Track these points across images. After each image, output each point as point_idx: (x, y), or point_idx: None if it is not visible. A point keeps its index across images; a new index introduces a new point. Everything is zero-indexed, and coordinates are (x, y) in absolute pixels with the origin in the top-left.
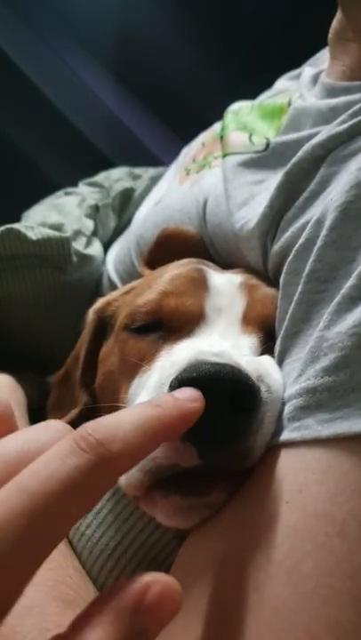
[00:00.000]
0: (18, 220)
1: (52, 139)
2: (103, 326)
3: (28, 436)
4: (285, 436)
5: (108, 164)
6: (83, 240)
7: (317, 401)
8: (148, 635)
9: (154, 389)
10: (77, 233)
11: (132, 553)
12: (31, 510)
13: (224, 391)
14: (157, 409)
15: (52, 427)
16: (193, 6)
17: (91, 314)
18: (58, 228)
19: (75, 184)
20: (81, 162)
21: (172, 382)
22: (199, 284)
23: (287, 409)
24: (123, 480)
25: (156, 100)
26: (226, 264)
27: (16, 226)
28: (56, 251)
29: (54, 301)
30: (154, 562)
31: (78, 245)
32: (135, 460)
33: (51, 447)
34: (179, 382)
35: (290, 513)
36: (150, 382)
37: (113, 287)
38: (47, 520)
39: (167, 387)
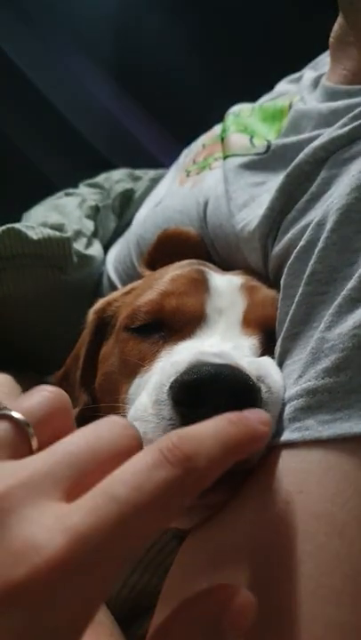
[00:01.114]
0: (18, 220)
1: (53, 140)
2: (103, 326)
3: (96, 432)
4: (286, 436)
5: (109, 166)
6: (83, 240)
7: (318, 402)
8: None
9: (154, 390)
10: (78, 233)
11: None
12: (122, 519)
13: (225, 392)
14: (233, 427)
15: (117, 423)
16: (193, 9)
17: (91, 314)
18: (59, 228)
19: (75, 185)
20: (81, 163)
21: (172, 383)
22: (200, 285)
23: (288, 410)
24: None
25: (156, 103)
26: (226, 265)
27: (17, 225)
28: (57, 251)
29: (54, 301)
30: (153, 562)
31: (79, 246)
32: (214, 476)
33: (117, 444)
34: (179, 384)
35: (290, 513)
36: (151, 383)
37: (113, 287)
38: (136, 530)
39: (167, 387)
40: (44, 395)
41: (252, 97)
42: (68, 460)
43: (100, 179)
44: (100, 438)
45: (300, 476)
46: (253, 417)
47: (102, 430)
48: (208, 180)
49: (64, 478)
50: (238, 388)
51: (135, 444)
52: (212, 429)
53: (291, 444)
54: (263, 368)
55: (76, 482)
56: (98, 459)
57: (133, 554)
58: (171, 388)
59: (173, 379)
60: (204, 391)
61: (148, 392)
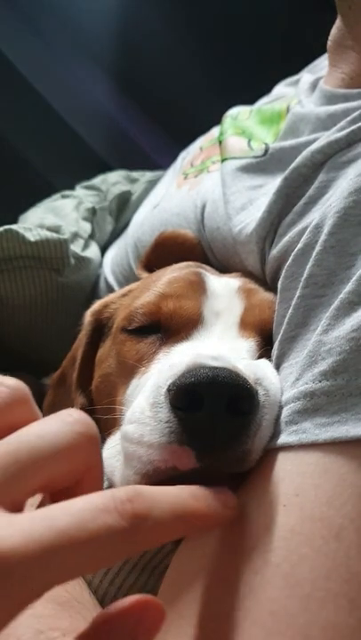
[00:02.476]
0: (14, 222)
1: (50, 141)
2: (100, 328)
3: (42, 429)
4: (283, 439)
5: (106, 168)
6: (80, 242)
7: (315, 405)
8: None
9: (151, 392)
10: (75, 235)
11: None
12: (53, 549)
13: (223, 395)
14: (194, 500)
15: (67, 417)
16: (192, 12)
17: (88, 316)
18: (56, 230)
19: (72, 187)
20: (78, 165)
21: (169, 386)
22: (197, 288)
23: (285, 413)
24: (119, 480)
25: (154, 105)
26: (223, 268)
27: (14, 227)
28: (53, 252)
29: (51, 303)
30: (148, 565)
31: (76, 248)
32: (161, 540)
33: (62, 441)
34: (177, 387)
35: (287, 516)
36: (148, 385)
37: (110, 290)
38: (64, 564)
39: (165, 389)
40: (1, 389)
41: (251, 99)
42: (10, 461)
43: (97, 181)
44: (46, 435)
45: (296, 479)
46: (220, 497)
47: (49, 426)
48: (206, 182)
49: (2, 480)
50: (236, 391)
51: (82, 442)
52: (173, 496)
53: (288, 447)
54: (260, 371)
55: (12, 482)
56: (38, 457)
57: (50, 587)
58: (168, 390)
59: (171, 382)
60: (202, 394)
61: (146, 395)
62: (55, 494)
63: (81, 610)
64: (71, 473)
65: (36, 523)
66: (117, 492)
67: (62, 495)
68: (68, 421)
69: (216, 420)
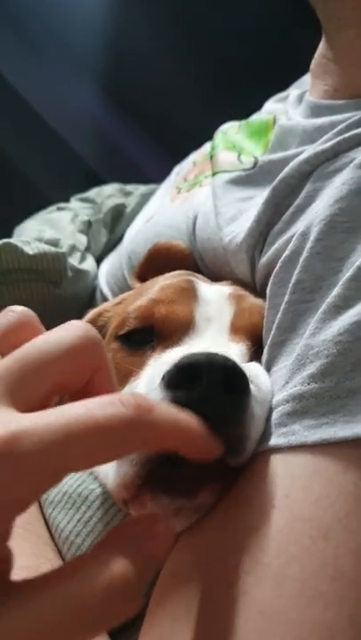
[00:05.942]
0: (9, 234)
1: (44, 155)
2: None
3: (51, 334)
4: (273, 441)
5: (100, 181)
6: (77, 255)
7: (304, 407)
8: (159, 560)
9: (145, 386)
10: (72, 248)
11: None
12: (66, 430)
13: (219, 373)
14: (193, 421)
15: (73, 325)
16: (186, 26)
17: None
18: (54, 243)
19: (66, 200)
20: (72, 178)
21: (164, 373)
22: (189, 294)
23: (274, 415)
24: (113, 479)
25: (147, 120)
26: (214, 277)
27: (13, 240)
28: (52, 265)
29: (48, 315)
30: None
31: (73, 260)
32: (160, 441)
33: (67, 343)
34: (174, 367)
35: (277, 517)
36: (140, 384)
37: (105, 301)
38: (75, 447)
39: (159, 379)
40: (9, 314)
41: (244, 115)
42: (20, 364)
43: (92, 193)
44: (50, 340)
45: (286, 480)
46: (213, 436)
47: (53, 333)
48: (198, 196)
49: (13, 382)
50: (231, 372)
51: (84, 343)
52: (173, 408)
53: (277, 449)
54: (252, 371)
55: (23, 384)
56: (45, 358)
57: (62, 474)
58: (163, 377)
59: (165, 369)
60: (200, 370)
61: (140, 391)
62: (70, 399)
63: (30, 537)
64: (78, 372)
65: (47, 412)
66: (124, 394)
67: (76, 399)
68: (70, 328)
69: (214, 399)
